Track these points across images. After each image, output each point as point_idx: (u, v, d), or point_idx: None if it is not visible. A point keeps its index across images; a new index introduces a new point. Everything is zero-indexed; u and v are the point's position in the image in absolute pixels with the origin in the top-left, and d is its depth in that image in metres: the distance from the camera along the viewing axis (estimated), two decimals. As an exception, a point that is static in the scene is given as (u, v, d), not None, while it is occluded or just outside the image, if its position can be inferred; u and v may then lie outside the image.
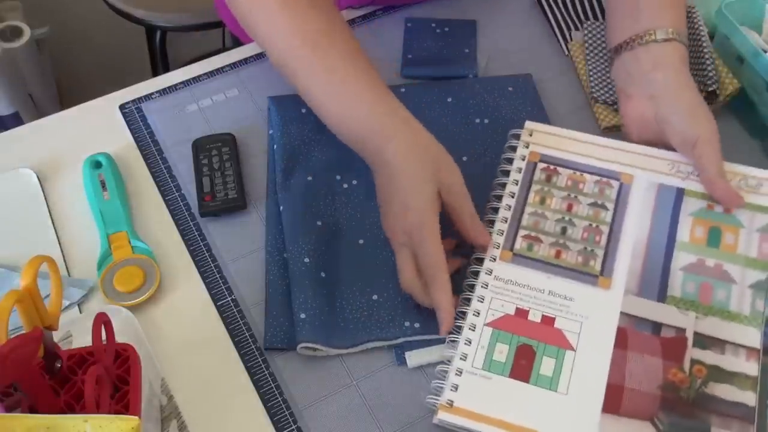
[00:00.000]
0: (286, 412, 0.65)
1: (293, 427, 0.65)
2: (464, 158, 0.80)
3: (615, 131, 0.83)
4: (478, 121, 0.82)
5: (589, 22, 0.89)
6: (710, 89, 0.81)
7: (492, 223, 0.74)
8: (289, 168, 0.78)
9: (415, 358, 0.68)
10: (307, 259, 0.71)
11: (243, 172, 0.79)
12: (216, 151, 0.80)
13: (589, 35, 0.89)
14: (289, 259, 0.72)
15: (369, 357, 0.68)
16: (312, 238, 0.73)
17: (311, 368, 0.68)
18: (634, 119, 0.78)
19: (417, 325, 0.69)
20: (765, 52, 0.79)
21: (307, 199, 0.76)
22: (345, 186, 0.78)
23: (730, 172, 0.74)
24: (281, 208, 0.75)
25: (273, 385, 0.67)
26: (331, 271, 0.72)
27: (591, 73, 0.86)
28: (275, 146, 0.80)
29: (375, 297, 0.71)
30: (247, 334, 0.69)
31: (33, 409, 0.54)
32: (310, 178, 0.77)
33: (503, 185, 0.76)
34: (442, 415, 0.63)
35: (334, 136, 0.78)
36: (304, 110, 0.81)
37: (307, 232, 0.73)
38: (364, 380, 0.67)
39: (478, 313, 0.68)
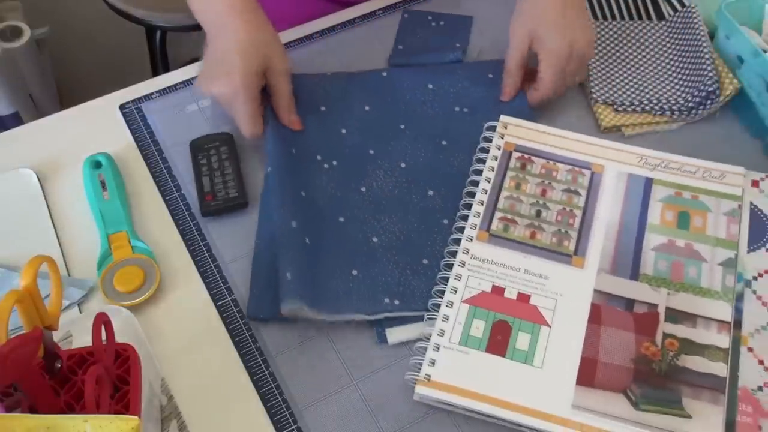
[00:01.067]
0: (286, 412, 0.65)
1: (293, 427, 0.65)
2: (444, 142, 0.81)
3: (615, 131, 0.83)
4: (458, 109, 0.84)
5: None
6: (710, 89, 0.81)
7: (469, 206, 0.75)
8: (275, 137, 0.79)
9: (395, 334, 0.69)
10: (294, 223, 0.72)
11: (243, 170, 0.79)
12: (214, 151, 0.80)
13: None
14: (276, 223, 0.72)
15: (369, 356, 0.68)
16: (297, 204, 0.74)
17: (311, 368, 0.68)
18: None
19: (397, 302, 0.70)
20: (765, 52, 0.79)
21: (292, 168, 0.77)
22: (326, 166, 0.79)
23: (695, 165, 0.78)
24: (269, 169, 0.76)
25: (273, 385, 0.67)
26: (315, 240, 0.73)
27: (591, 73, 0.86)
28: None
29: (355, 272, 0.72)
30: (247, 334, 0.69)
31: (33, 409, 0.54)
32: (294, 150, 0.79)
33: (479, 172, 0.77)
34: (420, 389, 0.64)
35: (316, 118, 0.81)
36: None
37: (293, 199, 0.74)
38: (364, 380, 0.67)
39: (456, 291, 0.69)
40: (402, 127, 0.82)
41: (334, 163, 0.79)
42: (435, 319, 0.68)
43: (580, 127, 0.83)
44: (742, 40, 0.81)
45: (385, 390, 0.67)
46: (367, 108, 0.83)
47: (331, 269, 0.71)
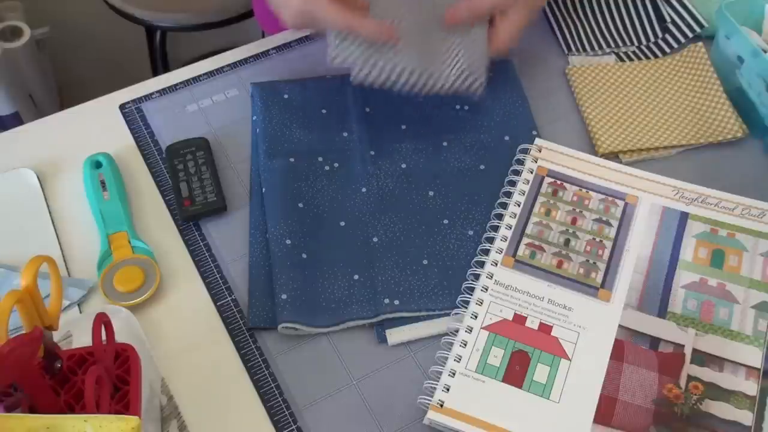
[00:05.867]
0: (286, 412, 0.65)
1: (293, 427, 0.65)
2: (444, 143, 0.81)
3: (612, 158, 0.81)
4: (458, 107, 0.84)
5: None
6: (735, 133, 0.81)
7: (496, 228, 0.74)
8: (272, 150, 0.79)
9: (395, 335, 0.69)
10: (288, 241, 0.72)
11: (220, 175, 0.79)
12: (190, 156, 0.80)
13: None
14: (271, 241, 0.73)
15: (369, 356, 0.68)
16: (294, 219, 0.74)
17: (311, 368, 0.68)
18: None
19: (396, 302, 0.70)
20: (765, 52, 0.79)
21: (289, 181, 0.77)
22: (326, 168, 0.79)
23: (733, 202, 0.76)
24: (264, 189, 0.76)
25: (273, 385, 0.67)
26: (313, 252, 0.73)
27: (591, 122, 0.86)
28: (258, 130, 0.81)
29: (356, 277, 0.72)
30: (247, 334, 0.69)
31: (33, 409, 0.54)
32: (292, 159, 0.79)
33: (509, 194, 0.76)
34: (432, 415, 0.63)
35: (317, 120, 0.80)
36: (286, 96, 0.83)
37: (288, 214, 0.74)
38: (364, 380, 0.67)
39: (476, 316, 0.68)
40: (403, 127, 0.82)
41: (336, 165, 0.79)
42: (452, 343, 0.67)
43: (579, 127, 0.83)
44: (742, 40, 0.81)
45: (385, 390, 0.67)
46: (367, 109, 0.83)
47: (332, 278, 0.71)
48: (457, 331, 0.68)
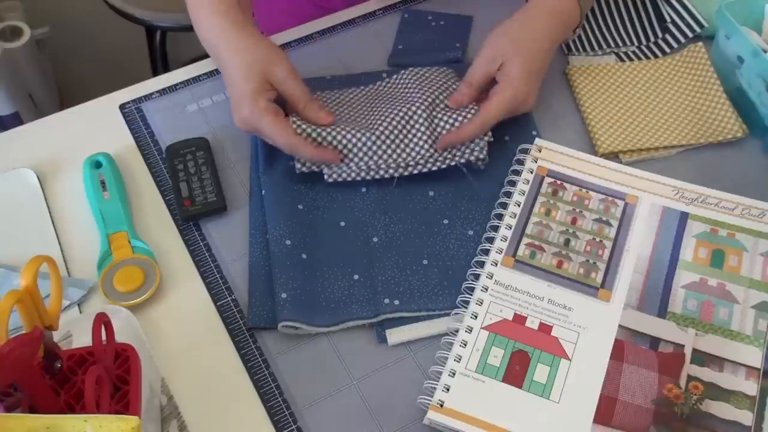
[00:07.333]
0: (286, 412, 0.65)
1: (293, 427, 0.65)
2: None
3: (612, 158, 0.81)
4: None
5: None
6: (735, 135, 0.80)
7: (496, 228, 0.74)
8: (272, 151, 0.79)
9: (395, 335, 0.69)
10: (288, 241, 0.72)
11: (220, 175, 0.79)
12: (191, 156, 0.80)
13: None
14: (271, 241, 0.73)
15: (369, 356, 0.68)
16: (293, 220, 0.74)
17: (311, 368, 0.68)
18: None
19: (396, 302, 0.70)
20: (765, 52, 0.79)
21: (289, 183, 0.77)
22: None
23: (733, 202, 0.76)
24: (263, 191, 0.76)
25: (273, 385, 0.67)
26: (313, 252, 0.73)
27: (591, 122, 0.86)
28: None
29: (356, 277, 0.72)
30: (247, 334, 0.69)
31: (33, 409, 0.54)
32: (291, 162, 0.78)
33: (509, 194, 0.76)
34: (432, 415, 0.63)
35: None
36: None
37: (288, 215, 0.74)
38: (364, 380, 0.67)
39: (476, 316, 0.68)
40: None
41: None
42: (452, 343, 0.67)
43: (579, 126, 0.83)
44: (742, 40, 0.81)
45: (385, 390, 0.67)
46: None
47: (332, 278, 0.72)
48: (457, 331, 0.68)
